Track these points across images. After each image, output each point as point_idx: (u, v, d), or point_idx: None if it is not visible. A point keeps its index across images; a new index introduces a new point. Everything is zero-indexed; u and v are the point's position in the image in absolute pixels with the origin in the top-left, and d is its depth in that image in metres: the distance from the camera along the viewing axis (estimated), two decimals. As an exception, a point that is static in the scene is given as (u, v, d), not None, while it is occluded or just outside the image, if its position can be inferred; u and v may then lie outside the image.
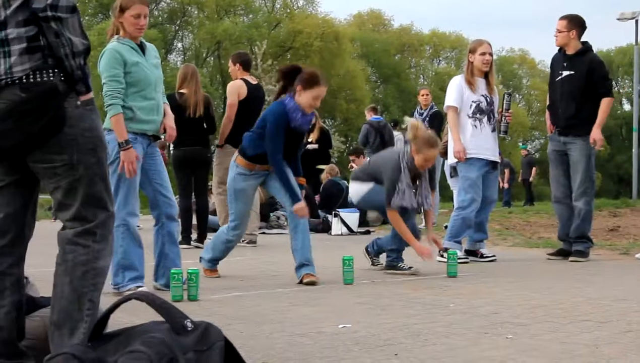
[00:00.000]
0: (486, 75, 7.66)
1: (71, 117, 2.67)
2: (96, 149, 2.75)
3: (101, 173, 2.78)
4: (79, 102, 2.70)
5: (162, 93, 5.68)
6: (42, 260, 5.91)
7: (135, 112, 5.36)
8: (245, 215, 6.26)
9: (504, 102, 7.77)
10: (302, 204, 6.00)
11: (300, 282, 5.98)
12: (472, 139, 7.54)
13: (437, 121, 11.80)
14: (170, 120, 5.69)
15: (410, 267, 6.67)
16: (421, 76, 62.55)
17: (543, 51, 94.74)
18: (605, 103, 7.53)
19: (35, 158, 2.69)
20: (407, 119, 7.24)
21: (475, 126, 7.56)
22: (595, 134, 7.50)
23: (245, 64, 9.48)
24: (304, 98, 5.94)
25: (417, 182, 6.61)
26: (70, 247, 2.74)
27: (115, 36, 5.49)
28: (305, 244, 6.07)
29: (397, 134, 13.99)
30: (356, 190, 6.97)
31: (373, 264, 7.01)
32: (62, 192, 2.73)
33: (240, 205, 6.18)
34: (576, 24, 7.67)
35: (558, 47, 7.73)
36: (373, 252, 7.03)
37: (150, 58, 5.58)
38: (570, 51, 7.65)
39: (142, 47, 5.54)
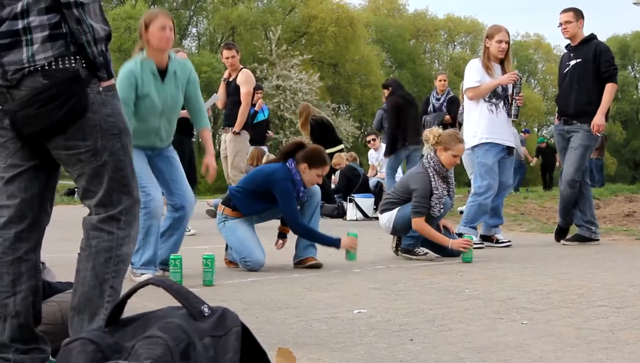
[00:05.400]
0: (502, 62, 7.65)
1: (93, 103, 2.68)
2: (120, 134, 2.76)
3: (126, 158, 2.78)
4: (100, 88, 2.71)
5: (176, 116, 5.63)
6: (58, 246, 5.96)
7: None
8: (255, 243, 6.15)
9: (515, 85, 7.73)
10: (346, 241, 6.01)
11: (300, 262, 6.09)
12: (489, 124, 7.53)
13: (454, 106, 11.72)
14: (210, 157, 5.66)
15: (426, 253, 6.67)
16: (436, 61, 62.23)
17: (558, 36, 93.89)
18: (609, 88, 7.54)
19: (58, 145, 2.70)
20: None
21: (492, 111, 7.54)
22: (597, 119, 7.48)
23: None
24: (308, 176, 6.02)
25: (449, 182, 6.74)
26: (95, 232, 2.76)
27: (141, 52, 5.45)
28: (315, 225, 6.15)
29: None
30: (386, 218, 6.74)
31: (417, 256, 6.66)
32: (87, 178, 2.74)
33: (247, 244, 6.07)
34: (580, 14, 7.79)
35: (568, 38, 7.75)
36: (410, 245, 6.69)
37: (170, 83, 5.49)
38: (576, 41, 7.70)
39: (165, 71, 5.47)
